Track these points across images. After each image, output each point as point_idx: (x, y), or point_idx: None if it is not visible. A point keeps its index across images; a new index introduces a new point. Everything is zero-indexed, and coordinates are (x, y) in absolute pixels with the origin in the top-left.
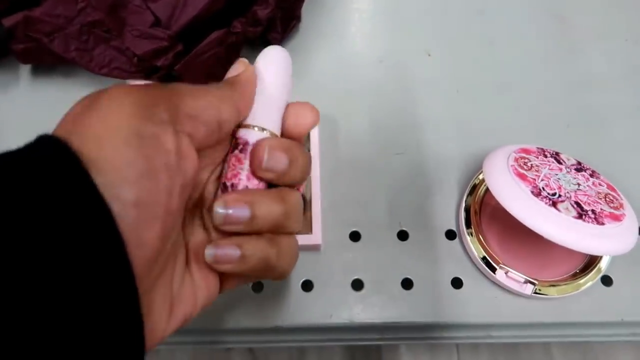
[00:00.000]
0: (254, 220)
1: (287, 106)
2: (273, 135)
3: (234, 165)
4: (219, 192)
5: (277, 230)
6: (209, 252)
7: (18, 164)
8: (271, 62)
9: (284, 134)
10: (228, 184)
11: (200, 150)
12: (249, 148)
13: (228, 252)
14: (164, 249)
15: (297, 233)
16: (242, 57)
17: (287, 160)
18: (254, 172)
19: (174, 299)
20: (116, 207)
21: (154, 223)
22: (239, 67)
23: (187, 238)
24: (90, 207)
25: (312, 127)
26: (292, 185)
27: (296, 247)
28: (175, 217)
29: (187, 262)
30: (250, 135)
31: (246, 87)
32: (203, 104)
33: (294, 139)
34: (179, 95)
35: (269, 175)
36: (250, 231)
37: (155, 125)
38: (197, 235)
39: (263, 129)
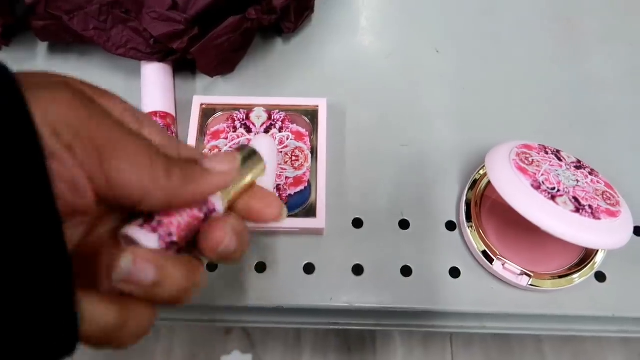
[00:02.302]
0: (155, 287)
1: (257, 191)
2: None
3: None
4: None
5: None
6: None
7: None
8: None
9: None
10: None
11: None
12: (204, 208)
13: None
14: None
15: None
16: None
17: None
18: (207, 255)
19: None
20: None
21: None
22: (226, 159)
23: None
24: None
25: (273, 221)
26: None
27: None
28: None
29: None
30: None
31: (212, 179)
32: (134, 173)
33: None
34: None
35: (213, 256)
36: (145, 298)
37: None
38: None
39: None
